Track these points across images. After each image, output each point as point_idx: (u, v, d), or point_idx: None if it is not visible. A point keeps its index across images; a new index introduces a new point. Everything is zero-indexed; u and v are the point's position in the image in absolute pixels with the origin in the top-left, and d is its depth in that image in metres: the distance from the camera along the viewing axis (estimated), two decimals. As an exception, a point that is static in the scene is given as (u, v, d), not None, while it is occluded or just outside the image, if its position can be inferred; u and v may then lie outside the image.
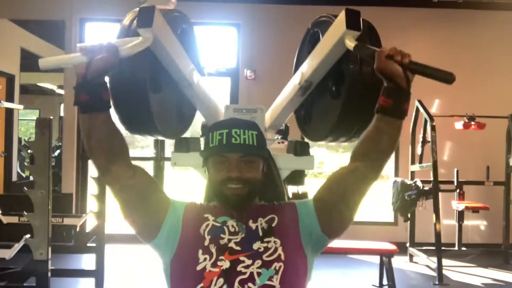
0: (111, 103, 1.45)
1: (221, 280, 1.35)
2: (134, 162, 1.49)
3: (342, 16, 1.70)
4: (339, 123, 1.97)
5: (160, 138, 2.27)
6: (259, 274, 1.36)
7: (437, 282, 4.87)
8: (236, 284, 1.34)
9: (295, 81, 2.08)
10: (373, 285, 4.34)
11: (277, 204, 1.55)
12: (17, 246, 3.32)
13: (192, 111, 2.38)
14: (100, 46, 1.35)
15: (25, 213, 3.20)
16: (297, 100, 2.15)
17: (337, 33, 1.71)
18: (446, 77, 1.30)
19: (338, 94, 2.02)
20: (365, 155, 1.44)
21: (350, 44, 1.60)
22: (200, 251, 1.40)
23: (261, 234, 1.43)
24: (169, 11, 2.01)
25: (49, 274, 3.25)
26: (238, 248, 1.40)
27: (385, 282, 4.01)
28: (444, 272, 5.02)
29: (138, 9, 1.82)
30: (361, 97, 1.84)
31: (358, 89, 1.86)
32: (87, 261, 4.87)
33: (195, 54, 2.30)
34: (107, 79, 1.44)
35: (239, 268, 1.37)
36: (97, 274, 4.17)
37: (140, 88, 1.83)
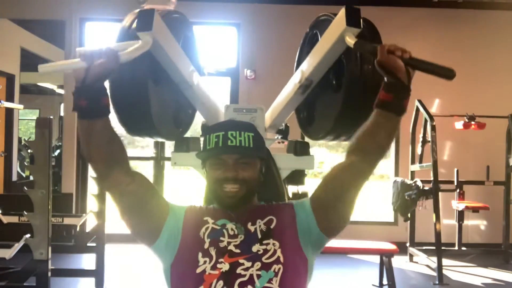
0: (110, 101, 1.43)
1: (221, 283, 1.36)
2: (134, 161, 1.49)
3: (342, 13, 1.69)
4: (340, 119, 1.97)
5: (158, 139, 2.27)
6: (258, 276, 1.37)
7: (437, 282, 4.87)
8: (236, 286, 1.35)
9: (295, 80, 2.08)
10: (373, 285, 4.34)
11: (275, 205, 1.55)
12: (17, 246, 3.31)
13: (190, 117, 2.38)
14: (100, 51, 1.32)
15: (25, 213, 3.19)
16: (298, 99, 2.16)
17: (337, 30, 1.71)
18: (446, 73, 1.30)
19: (338, 87, 2.02)
20: (361, 149, 1.44)
21: (351, 41, 1.60)
22: (200, 254, 1.41)
23: (260, 236, 1.44)
24: (168, 13, 2.01)
25: (49, 274, 3.24)
26: (237, 250, 1.41)
27: (385, 282, 4.01)
28: (444, 272, 5.02)
29: (138, 10, 1.81)
30: (361, 90, 1.84)
31: (358, 82, 1.86)
32: (87, 261, 4.87)
33: (195, 54, 2.30)
34: (106, 84, 1.41)
35: (238, 270, 1.37)
36: (97, 274, 4.16)
37: (140, 78, 1.83)
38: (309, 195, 2.08)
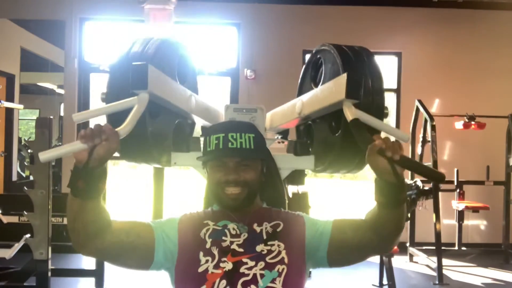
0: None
1: (224, 282, 1.35)
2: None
3: (342, 81, 1.61)
4: (337, 158, 1.96)
5: (154, 165, 2.25)
6: (262, 276, 1.36)
7: (437, 282, 4.87)
8: (239, 285, 1.35)
9: (295, 107, 2.07)
10: (373, 285, 4.34)
11: (284, 212, 1.56)
12: (17, 246, 3.32)
13: (189, 130, 2.38)
14: (100, 132, 1.26)
15: (25, 213, 3.19)
16: (297, 122, 2.17)
17: (336, 96, 1.66)
18: (436, 176, 1.27)
19: (337, 129, 2.01)
20: (379, 235, 1.41)
21: (349, 115, 1.52)
22: (201, 253, 1.40)
23: (265, 237, 1.44)
24: (163, 42, 1.97)
25: (49, 273, 3.25)
26: (240, 250, 1.41)
27: (385, 282, 4.01)
28: (444, 272, 5.03)
29: (137, 37, 1.79)
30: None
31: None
32: (87, 261, 4.87)
33: (191, 70, 2.30)
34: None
35: (242, 269, 1.37)
36: (97, 274, 4.17)
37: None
38: (309, 195, 2.07)
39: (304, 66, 2.35)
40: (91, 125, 1.29)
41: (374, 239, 1.42)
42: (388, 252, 1.47)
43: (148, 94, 1.56)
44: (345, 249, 1.46)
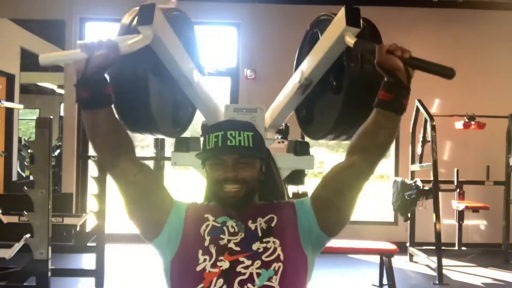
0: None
1: (221, 281, 1.36)
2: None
3: (342, 13, 1.69)
4: (340, 119, 1.97)
5: (158, 135, 2.26)
6: (258, 274, 1.37)
7: (437, 282, 4.87)
8: (236, 284, 1.35)
9: (295, 79, 2.08)
10: (373, 285, 4.34)
11: (276, 203, 1.55)
12: (17, 246, 3.31)
13: (189, 116, 2.38)
14: (100, 43, 1.34)
15: (25, 213, 3.19)
16: (297, 98, 2.16)
17: (337, 30, 1.71)
18: (446, 72, 1.30)
19: (339, 89, 2.02)
20: (363, 148, 1.43)
21: (350, 41, 1.60)
22: (200, 252, 1.41)
23: (260, 234, 1.44)
24: (169, 10, 2.01)
25: (49, 273, 3.24)
26: (237, 248, 1.41)
27: (385, 282, 4.01)
28: (444, 271, 5.02)
29: (138, 7, 1.81)
30: (362, 92, 1.83)
31: (359, 83, 1.86)
32: (87, 261, 4.87)
33: (195, 53, 2.30)
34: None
35: (238, 268, 1.38)
36: (97, 274, 4.16)
37: (140, 71, 1.83)
38: (310, 194, 2.07)
39: (300, 42, 2.36)
40: None
41: (346, 177, 1.44)
42: (369, 176, 1.47)
43: (152, 33, 1.59)
44: (330, 210, 1.46)
